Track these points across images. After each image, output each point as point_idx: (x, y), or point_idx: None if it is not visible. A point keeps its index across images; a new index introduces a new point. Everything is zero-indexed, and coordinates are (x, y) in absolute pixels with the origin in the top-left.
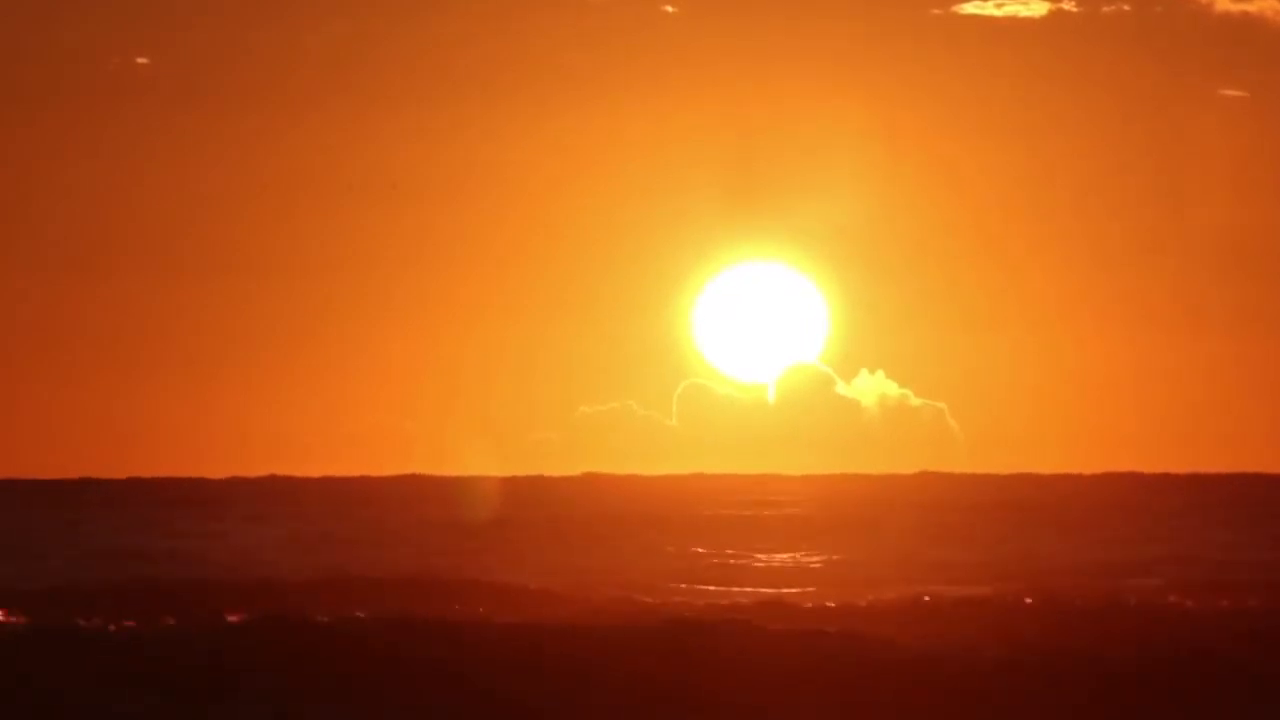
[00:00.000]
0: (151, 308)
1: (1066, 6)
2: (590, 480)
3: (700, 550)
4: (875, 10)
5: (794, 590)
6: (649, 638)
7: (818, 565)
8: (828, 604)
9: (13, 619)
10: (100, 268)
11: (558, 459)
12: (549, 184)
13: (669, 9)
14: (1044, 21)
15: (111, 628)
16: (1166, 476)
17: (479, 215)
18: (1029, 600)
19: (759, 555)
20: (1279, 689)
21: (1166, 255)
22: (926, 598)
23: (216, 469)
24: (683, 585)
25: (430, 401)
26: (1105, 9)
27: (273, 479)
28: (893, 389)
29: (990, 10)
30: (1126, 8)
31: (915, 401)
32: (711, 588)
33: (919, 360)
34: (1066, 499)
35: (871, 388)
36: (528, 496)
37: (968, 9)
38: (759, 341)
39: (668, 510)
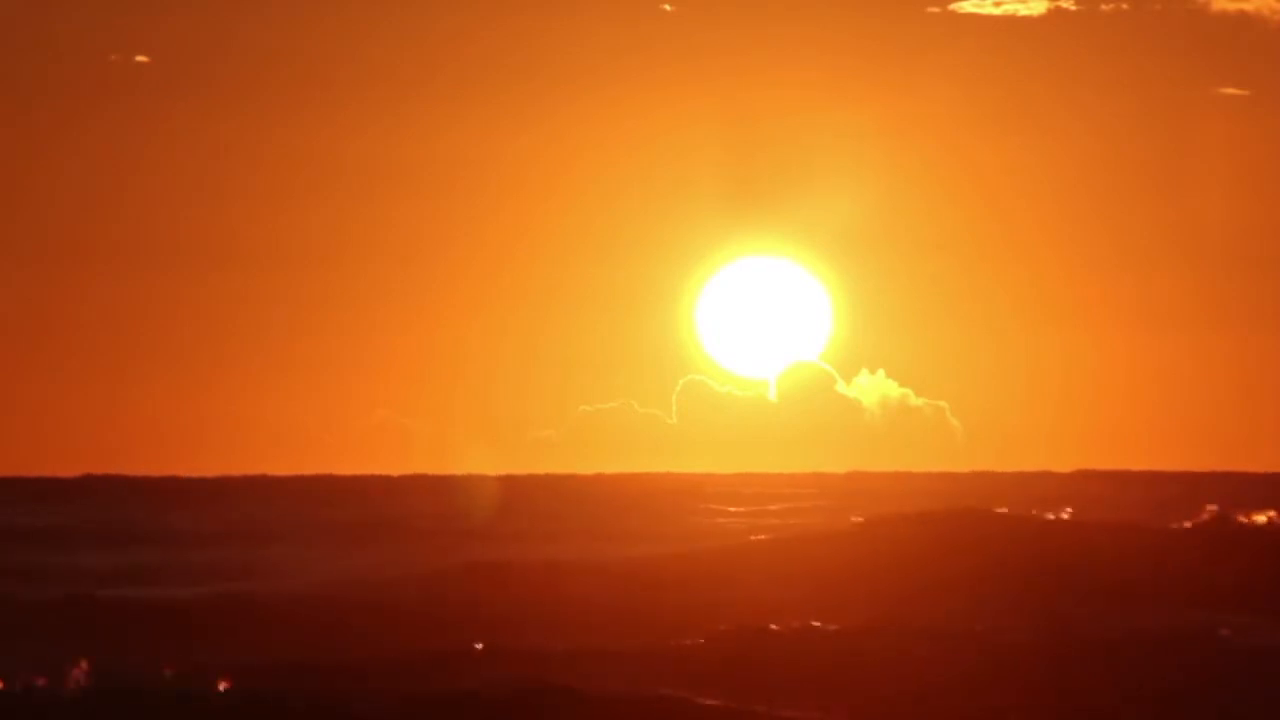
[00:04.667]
0: (149, 304)
1: (1065, 5)
2: (589, 480)
3: None
4: (873, 8)
5: None
6: None
7: None
8: None
9: None
10: (100, 264)
11: (558, 458)
12: (550, 180)
13: (667, 7)
14: (1043, 20)
15: None
16: (1165, 475)
17: (479, 211)
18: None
19: None
20: None
21: (1166, 254)
22: None
23: (213, 467)
24: None
25: (430, 400)
26: (1104, 7)
27: (268, 478)
28: (893, 389)
29: (989, 8)
30: (1125, 6)
31: (916, 401)
32: None
33: (919, 360)
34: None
35: (872, 387)
36: (524, 497)
37: (965, 7)
38: (761, 337)
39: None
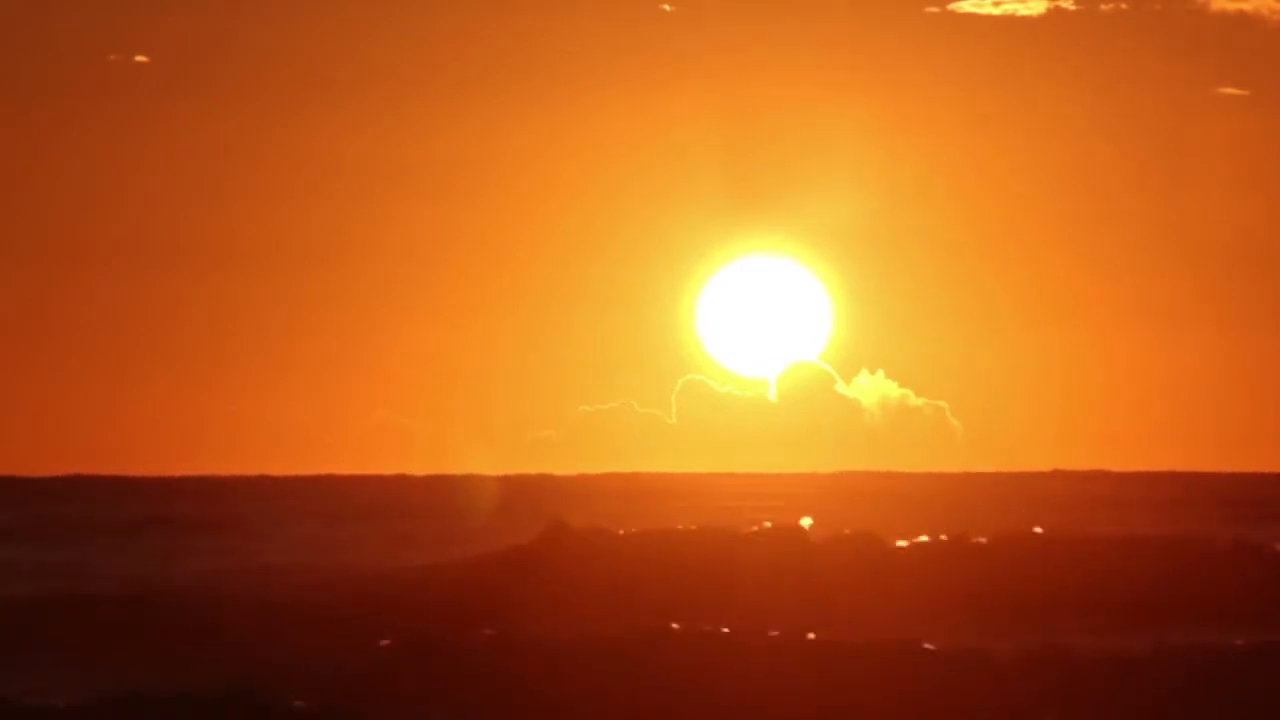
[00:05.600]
0: (149, 304)
1: (1064, 5)
2: (590, 480)
3: None
4: (872, 7)
5: None
6: None
7: None
8: None
9: None
10: (100, 264)
11: (558, 458)
12: (549, 180)
13: (666, 7)
14: (1042, 20)
15: None
16: (1164, 475)
17: (478, 211)
18: None
19: None
20: None
21: (1166, 255)
22: None
23: (210, 467)
24: None
25: (430, 400)
26: (1103, 7)
27: (267, 478)
28: (893, 389)
29: (988, 8)
30: (1124, 6)
31: (916, 401)
32: None
33: (919, 360)
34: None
35: (872, 387)
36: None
37: (964, 7)
38: (761, 337)
39: None
